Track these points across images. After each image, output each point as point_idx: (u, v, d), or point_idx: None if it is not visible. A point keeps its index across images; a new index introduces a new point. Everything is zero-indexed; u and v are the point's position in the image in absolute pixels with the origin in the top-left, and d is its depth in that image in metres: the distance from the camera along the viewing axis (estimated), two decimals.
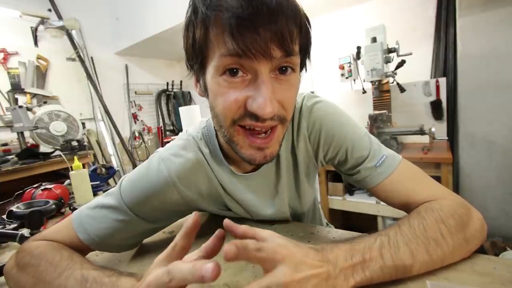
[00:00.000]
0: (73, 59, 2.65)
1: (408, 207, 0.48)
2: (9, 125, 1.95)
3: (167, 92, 3.53)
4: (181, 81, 3.65)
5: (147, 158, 0.53)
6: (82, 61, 2.61)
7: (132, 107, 3.18)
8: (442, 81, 1.88)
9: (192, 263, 0.26)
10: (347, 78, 2.05)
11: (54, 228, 0.49)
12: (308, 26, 0.40)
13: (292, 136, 0.54)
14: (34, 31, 2.20)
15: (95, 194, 1.06)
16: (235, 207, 0.57)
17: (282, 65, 0.38)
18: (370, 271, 0.33)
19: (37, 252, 0.43)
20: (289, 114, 0.42)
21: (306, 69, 0.46)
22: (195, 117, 1.92)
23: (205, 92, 0.43)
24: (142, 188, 0.47)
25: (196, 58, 0.40)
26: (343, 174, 0.57)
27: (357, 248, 0.35)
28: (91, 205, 0.49)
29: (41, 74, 2.47)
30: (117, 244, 0.50)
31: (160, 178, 0.48)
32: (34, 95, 2.40)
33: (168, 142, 0.56)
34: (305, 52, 0.42)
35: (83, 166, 1.01)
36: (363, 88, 1.99)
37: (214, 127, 0.49)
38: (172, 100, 3.57)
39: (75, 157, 1.03)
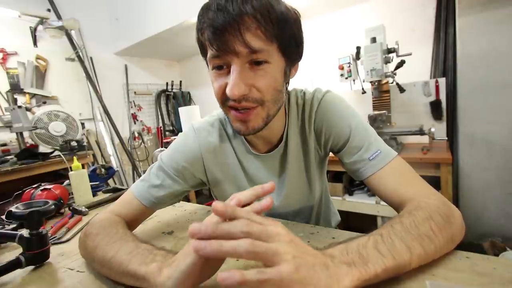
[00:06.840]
0: (73, 59, 2.64)
1: (394, 202, 0.50)
2: (8, 125, 1.95)
3: (166, 93, 3.52)
4: (180, 81, 3.65)
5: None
6: (81, 61, 2.60)
7: (131, 107, 3.18)
8: (442, 81, 1.88)
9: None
10: (346, 78, 2.04)
11: (119, 203, 0.61)
12: (287, 17, 0.46)
13: (304, 124, 0.61)
14: (33, 31, 2.19)
15: (94, 195, 1.06)
16: (247, 182, 0.64)
17: (253, 60, 0.45)
18: (373, 263, 0.33)
19: (98, 225, 0.52)
20: (265, 96, 0.48)
21: (300, 56, 0.53)
22: (195, 117, 1.92)
23: None
24: (179, 153, 0.62)
25: (203, 56, 0.52)
26: (341, 163, 0.61)
27: (351, 246, 0.35)
28: (142, 179, 0.63)
29: (40, 74, 2.46)
30: (164, 202, 0.63)
31: (192, 147, 0.62)
32: (33, 95, 2.40)
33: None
34: (284, 42, 0.47)
35: (83, 167, 1.00)
36: (362, 89, 1.99)
37: None
38: (171, 100, 3.57)
39: (75, 158, 1.02)
